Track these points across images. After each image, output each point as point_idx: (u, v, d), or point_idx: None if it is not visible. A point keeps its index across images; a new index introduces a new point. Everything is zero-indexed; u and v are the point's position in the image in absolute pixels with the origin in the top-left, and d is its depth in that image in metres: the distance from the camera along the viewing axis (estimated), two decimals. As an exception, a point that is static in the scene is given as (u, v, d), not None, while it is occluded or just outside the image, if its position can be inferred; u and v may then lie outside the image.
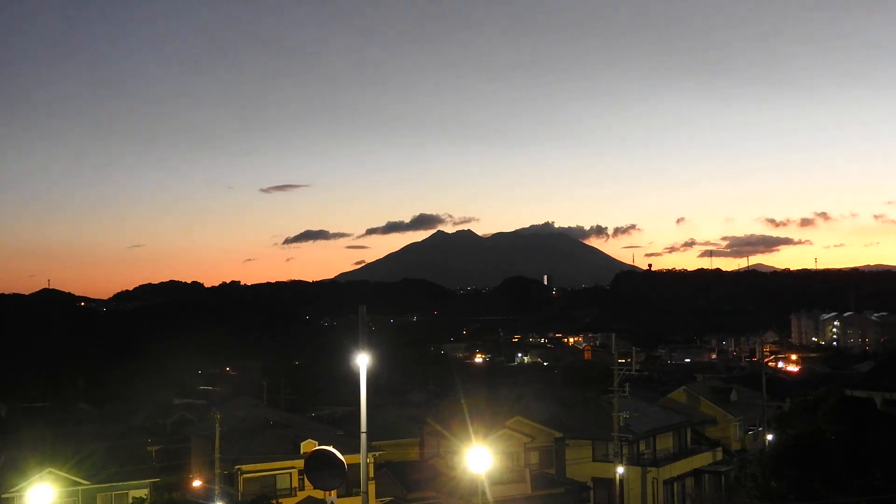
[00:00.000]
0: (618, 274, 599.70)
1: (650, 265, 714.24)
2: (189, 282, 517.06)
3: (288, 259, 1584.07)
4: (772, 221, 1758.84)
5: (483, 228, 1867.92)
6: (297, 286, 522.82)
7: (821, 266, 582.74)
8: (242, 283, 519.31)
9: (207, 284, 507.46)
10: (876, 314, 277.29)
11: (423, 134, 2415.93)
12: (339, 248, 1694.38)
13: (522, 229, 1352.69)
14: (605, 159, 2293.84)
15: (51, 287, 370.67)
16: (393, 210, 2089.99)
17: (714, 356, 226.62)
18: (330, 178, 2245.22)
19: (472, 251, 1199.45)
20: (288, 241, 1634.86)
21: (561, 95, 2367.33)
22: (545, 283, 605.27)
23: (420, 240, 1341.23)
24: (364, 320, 19.69)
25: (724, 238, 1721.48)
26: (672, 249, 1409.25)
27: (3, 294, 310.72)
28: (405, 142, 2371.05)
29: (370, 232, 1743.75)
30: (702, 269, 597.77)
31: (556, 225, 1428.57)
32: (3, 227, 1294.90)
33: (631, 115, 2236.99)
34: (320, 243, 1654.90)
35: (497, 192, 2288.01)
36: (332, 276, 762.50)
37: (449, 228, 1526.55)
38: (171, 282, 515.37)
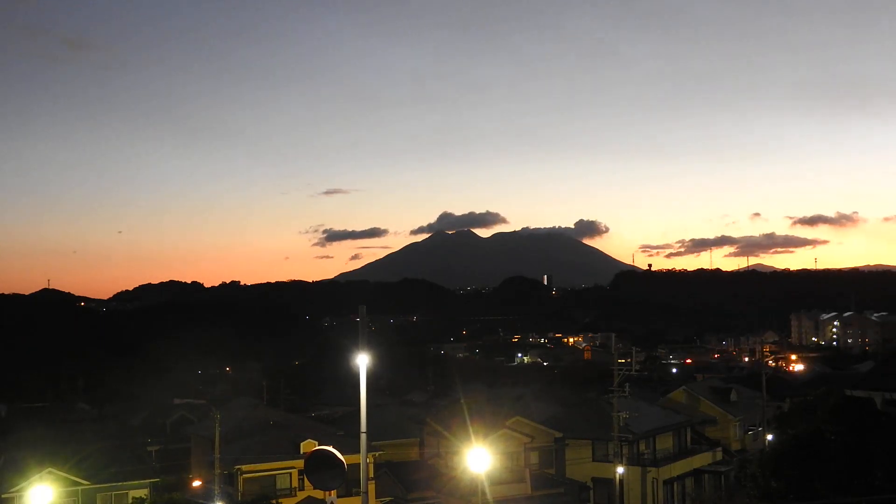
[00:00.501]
0: (618, 274, 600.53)
1: (650, 265, 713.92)
2: (189, 281, 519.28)
3: (320, 257, 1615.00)
4: (799, 221, 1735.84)
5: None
6: (297, 286, 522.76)
7: (824, 266, 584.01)
8: (242, 283, 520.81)
9: (207, 284, 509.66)
10: (876, 314, 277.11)
11: (469, 140, 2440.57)
12: (375, 250, 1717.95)
13: (524, 229, 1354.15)
14: (628, 162, 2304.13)
15: (51, 287, 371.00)
16: (431, 213, 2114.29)
17: (714, 356, 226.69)
18: (371, 185, 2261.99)
19: (472, 251, 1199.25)
20: (327, 240, 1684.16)
21: (583, 101, 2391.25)
22: (545, 283, 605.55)
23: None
24: (364, 320, 19.65)
25: (742, 238, 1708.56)
26: (695, 250, 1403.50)
27: (3, 294, 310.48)
28: (445, 149, 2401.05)
29: (419, 231, 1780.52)
30: (702, 269, 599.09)
31: (600, 224, 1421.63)
32: (3, 227, 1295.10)
33: (652, 119, 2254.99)
34: (353, 243, 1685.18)
35: (542, 196, 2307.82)
36: (332, 276, 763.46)
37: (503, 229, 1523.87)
38: (171, 282, 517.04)
